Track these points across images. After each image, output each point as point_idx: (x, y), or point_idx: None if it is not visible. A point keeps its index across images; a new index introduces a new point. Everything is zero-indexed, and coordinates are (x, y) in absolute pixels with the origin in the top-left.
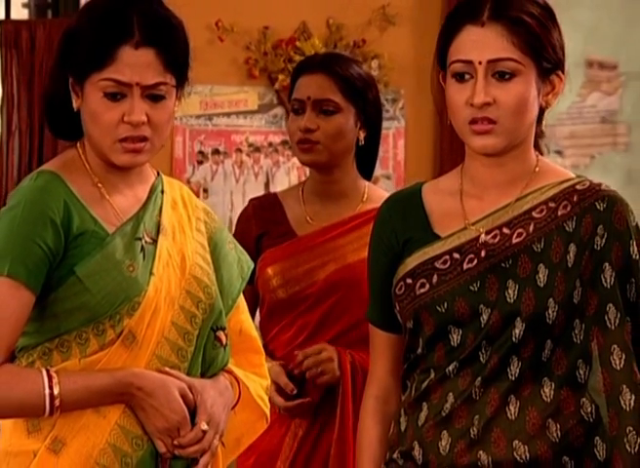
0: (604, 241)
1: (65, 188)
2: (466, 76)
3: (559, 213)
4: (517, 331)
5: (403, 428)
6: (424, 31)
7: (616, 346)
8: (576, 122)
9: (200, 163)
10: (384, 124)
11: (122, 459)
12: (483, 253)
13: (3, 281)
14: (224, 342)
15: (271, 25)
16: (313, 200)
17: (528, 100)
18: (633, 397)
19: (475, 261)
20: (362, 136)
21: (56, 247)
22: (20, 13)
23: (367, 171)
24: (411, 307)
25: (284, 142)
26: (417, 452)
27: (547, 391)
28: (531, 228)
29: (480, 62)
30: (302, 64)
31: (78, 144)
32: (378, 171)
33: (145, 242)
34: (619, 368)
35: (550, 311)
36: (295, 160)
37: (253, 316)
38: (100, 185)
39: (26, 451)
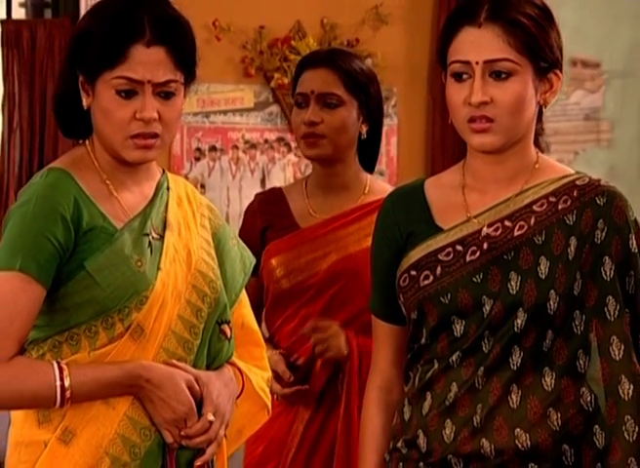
0: (604, 234)
1: (75, 185)
2: (464, 76)
3: (559, 207)
4: (519, 321)
5: (407, 417)
6: (416, 31)
7: (615, 337)
8: (560, 119)
9: (197, 159)
10: None
11: (131, 449)
12: (485, 246)
13: (15, 275)
14: (229, 335)
15: (267, 25)
16: (316, 193)
17: (525, 99)
18: (632, 387)
19: (478, 253)
20: (364, 129)
21: (66, 242)
22: (16, 12)
23: (369, 164)
24: (415, 298)
25: (279, 139)
26: (421, 441)
27: (548, 380)
28: (532, 221)
29: (477, 63)
30: (306, 60)
31: (87, 142)
32: None
33: (153, 238)
34: (618, 358)
35: (551, 302)
36: (290, 156)
37: (259, 307)
38: (108, 182)
39: (37, 442)
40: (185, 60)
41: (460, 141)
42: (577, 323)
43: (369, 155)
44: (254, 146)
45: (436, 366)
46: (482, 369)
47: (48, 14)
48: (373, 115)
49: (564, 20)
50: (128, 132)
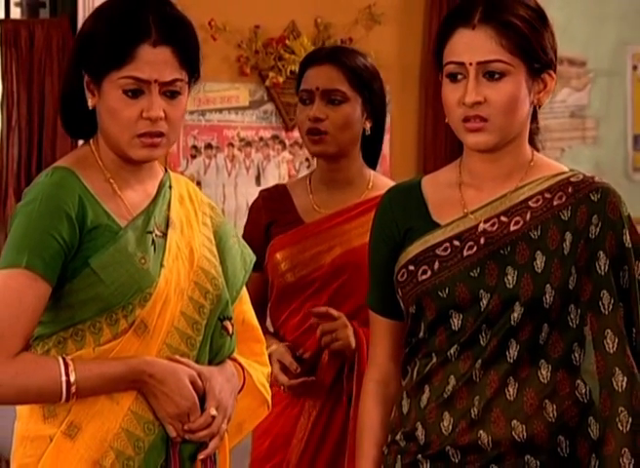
0: (598, 230)
1: (80, 184)
2: (459, 76)
3: (555, 203)
4: (516, 314)
5: (405, 410)
6: (409, 30)
7: (609, 331)
8: (546, 116)
9: (194, 157)
10: None
11: (135, 443)
12: (482, 241)
13: (21, 273)
14: (231, 331)
15: (262, 25)
16: (320, 188)
17: (518, 99)
18: (625, 379)
19: (475, 248)
20: (368, 126)
21: (71, 240)
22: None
23: (372, 160)
24: (413, 293)
25: (274, 137)
26: (419, 433)
27: (544, 373)
28: (528, 217)
29: (471, 64)
30: (310, 57)
31: (91, 141)
32: None
33: (156, 235)
34: (612, 351)
35: (547, 296)
36: (284, 154)
37: (263, 302)
38: (111, 181)
39: (43, 436)
40: (190, 60)
41: (451, 140)
42: (572, 316)
43: (372, 151)
44: (249, 144)
45: (434, 359)
46: (479, 362)
47: (43, 13)
48: (376, 111)
49: (550, 20)
50: (135, 131)
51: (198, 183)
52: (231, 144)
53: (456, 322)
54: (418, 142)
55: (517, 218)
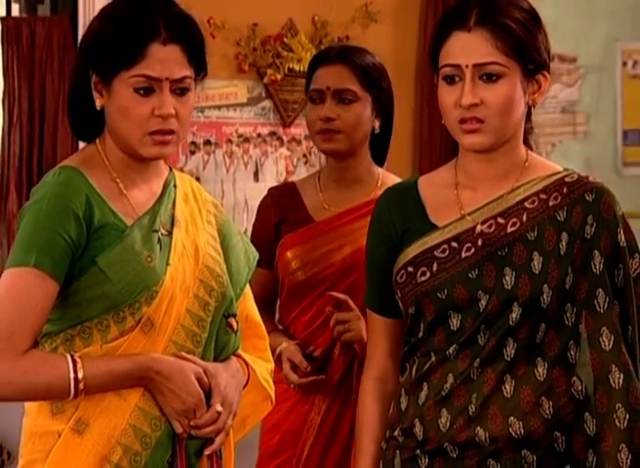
0: (593, 230)
1: (86, 183)
2: (456, 79)
3: (550, 203)
4: (514, 315)
5: (404, 407)
6: (405, 28)
7: (605, 328)
8: (538, 112)
9: (192, 153)
10: None
11: (142, 439)
12: (480, 242)
13: (29, 271)
14: (235, 328)
15: (260, 22)
16: (329, 187)
17: (514, 100)
18: (622, 376)
19: (473, 250)
20: (377, 124)
21: (78, 238)
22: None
23: (380, 158)
24: (412, 294)
25: (272, 133)
26: (417, 429)
27: (541, 370)
28: (524, 218)
29: (467, 66)
30: (319, 57)
31: (97, 141)
32: None
33: (161, 234)
34: (608, 349)
35: (545, 296)
36: (282, 150)
37: (273, 299)
38: (117, 180)
39: (51, 432)
40: (197, 57)
41: (447, 138)
42: (568, 315)
43: (380, 149)
44: (247, 140)
45: (433, 358)
46: (478, 360)
47: (41, 10)
48: (385, 110)
49: (542, 16)
50: (146, 129)
51: (197, 179)
52: (230, 141)
53: (455, 322)
54: (414, 140)
55: (514, 220)
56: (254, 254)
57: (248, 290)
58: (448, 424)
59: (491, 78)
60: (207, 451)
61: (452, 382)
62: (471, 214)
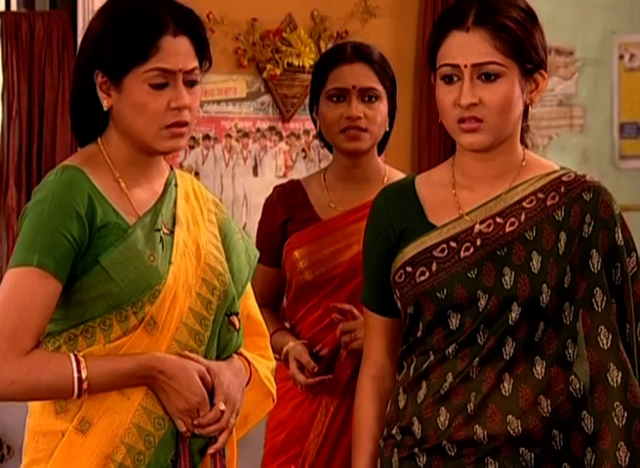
0: (591, 229)
1: (89, 182)
2: (454, 78)
3: (548, 203)
4: (514, 314)
5: (402, 405)
6: (404, 23)
7: (602, 327)
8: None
9: (192, 148)
10: None
11: (145, 438)
12: (479, 242)
13: (32, 271)
14: (237, 327)
15: (259, 17)
16: (336, 185)
17: (512, 99)
18: (620, 374)
19: (472, 250)
20: (387, 122)
21: (81, 238)
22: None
23: (378, 150)
24: (411, 294)
25: (271, 128)
26: (416, 428)
27: (539, 369)
28: (522, 217)
29: (466, 66)
30: (336, 55)
31: (99, 141)
32: None
33: (163, 233)
34: (606, 347)
35: (544, 296)
36: (281, 145)
37: (280, 298)
38: (119, 180)
39: (55, 431)
40: (203, 49)
41: (446, 133)
42: (566, 314)
43: (380, 143)
44: (246, 135)
45: (432, 357)
46: (477, 360)
47: (40, 4)
48: (394, 107)
49: (539, 10)
50: (163, 122)
51: (196, 174)
52: (229, 135)
53: (454, 322)
54: (412, 135)
55: (512, 219)
56: (254, 253)
57: (249, 288)
58: (447, 422)
59: (489, 78)
60: (211, 450)
61: (451, 381)
62: (469, 213)
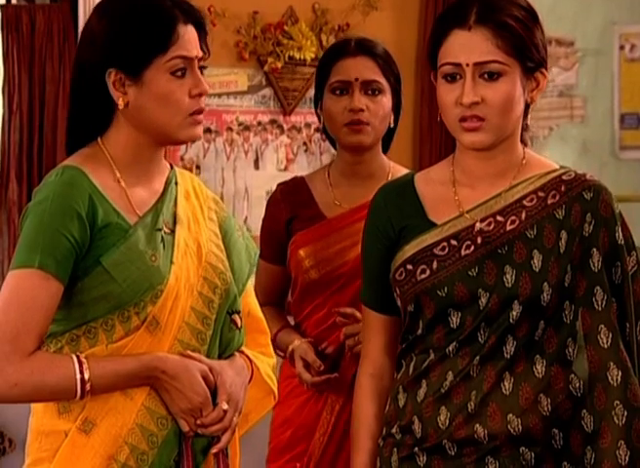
0: (592, 228)
1: (89, 182)
2: (456, 77)
3: (549, 201)
4: (514, 313)
5: (401, 404)
6: (405, 16)
7: (603, 326)
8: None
9: (193, 141)
10: None
11: (149, 438)
12: (479, 240)
13: (34, 273)
14: (239, 325)
15: (260, 10)
16: (341, 182)
17: (514, 98)
18: (620, 373)
19: (472, 248)
20: (392, 117)
21: (82, 239)
22: None
23: (384, 147)
24: (412, 292)
25: (272, 121)
26: (416, 427)
27: (539, 368)
28: (523, 216)
29: (468, 64)
30: (339, 48)
31: (99, 140)
32: None
33: (164, 232)
34: (606, 346)
35: (545, 294)
36: (282, 138)
37: (285, 294)
38: (120, 180)
39: (58, 431)
40: (204, 36)
41: (447, 128)
42: (566, 313)
43: (385, 139)
44: (247, 128)
45: (432, 356)
46: (477, 358)
47: None
48: (399, 102)
49: (539, 1)
50: (188, 110)
51: (197, 167)
52: (230, 128)
53: (454, 320)
54: (414, 128)
55: (513, 218)
56: (255, 250)
57: (250, 285)
58: (447, 422)
59: (492, 76)
60: (214, 450)
61: (451, 380)
62: (470, 211)
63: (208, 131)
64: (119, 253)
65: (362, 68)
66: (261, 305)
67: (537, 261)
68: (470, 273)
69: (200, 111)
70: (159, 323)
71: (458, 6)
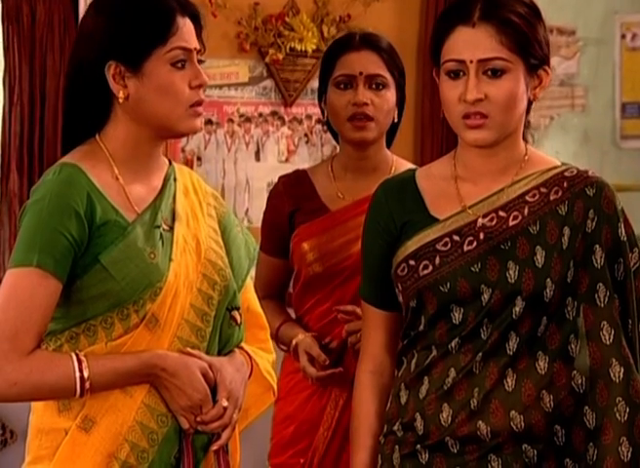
0: (594, 224)
1: (87, 180)
2: (460, 74)
3: (551, 197)
4: (517, 308)
5: (403, 401)
6: (407, 7)
7: (605, 322)
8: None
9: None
10: None
11: (149, 436)
12: (482, 236)
13: (32, 271)
14: (239, 321)
15: (261, 2)
16: (344, 175)
17: (517, 95)
18: (622, 369)
19: (475, 243)
20: (395, 112)
21: (80, 237)
22: None
23: (387, 141)
24: (414, 287)
25: (273, 113)
26: (418, 424)
27: (542, 364)
28: (525, 211)
29: (471, 61)
30: (344, 42)
31: (97, 137)
32: None
33: (163, 229)
34: (608, 342)
35: (548, 290)
36: (283, 129)
37: (286, 287)
38: (118, 176)
39: (58, 429)
40: (200, 32)
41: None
42: (569, 309)
43: (388, 134)
44: (248, 120)
45: (434, 352)
46: (480, 354)
47: None
48: (402, 97)
49: None
50: (188, 101)
51: (198, 159)
52: (231, 120)
53: (457, 316)
54: (415, 120)
55: (515, 213)
56: (254, 245)
57: (249, 281)
58: (449, 419)
59: (495, 73)
60: (214, 447)
61: (454, 376)
62: (472, 207)
63: (209, 122)
64: (118, 250)
65: (366, 63)
66: (261, 299)
67: (540, 257)
68: (473, 269)
69: (200, 103)
70: (158, 320)
71: (461, 3)
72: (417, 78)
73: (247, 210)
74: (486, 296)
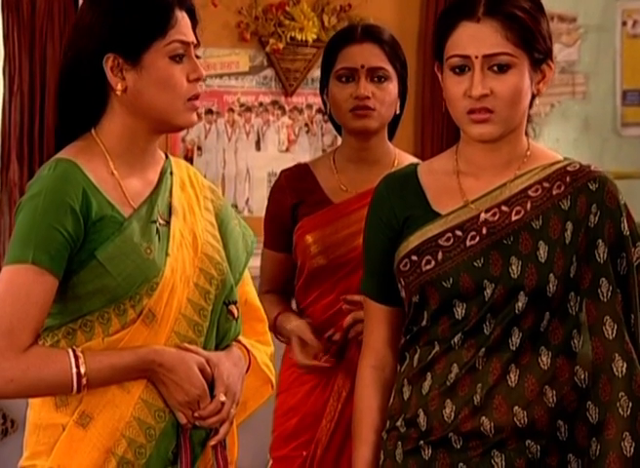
0: (597, 219)
1: (83, 175)
2: (465, 69)
3: (554, 192)
4: (520, 304)
5: (406, 397)
6: None
7: (608, 317)
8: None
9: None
10: None
11: (146, 431)
12: (484, 231)
13: (28, 268)
14: (236, 315)
15: None
16: (347, 167)
17: (522, 90)
18: (625, 364)
19: (477, 238)
20: (397, 104)
21: (76, 233)
22: None
23: (389, 134)
24: (417, 283)
25: (274, 102)
26: (421, 419)
27: (545, 359)
28: (528, 206)
29: (477, 57)
30: (345, 35)
31: (93, 131)
32: None
33: (160, 224)
34: (611, 337)
35: (551, 285)
36: (284, 119)
37: (289, 284)
38: (114, 171)
39: (55, 425)
40: (196, 26)
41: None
42: (572, 304)
43: (390, 126)
44: (249, 109)
45: (437, 347)
46: (483, 350)
47: None
48: (404, 89)
49: None
50: (186, 95)
51: (199, 148)
52: (231, 109)
53: (459, 311)
54: (415, 112)
55: (518, 208)
56: (252, 238)
57: (247, 274)
58: (453, 415)
59: (501, 69)
60: (212, 442)
61: (457, 372)
62: (474, 201)
63: (209, 112)
64: (114, 246)
65: (368, 55)
66: (265, 293)
67: (542, 252)
68: (476, 264)
69: (197, 96)
70: (155, 315)
71: None
72: (417, 67)
73: (247, 199)
74: (489, 292)
